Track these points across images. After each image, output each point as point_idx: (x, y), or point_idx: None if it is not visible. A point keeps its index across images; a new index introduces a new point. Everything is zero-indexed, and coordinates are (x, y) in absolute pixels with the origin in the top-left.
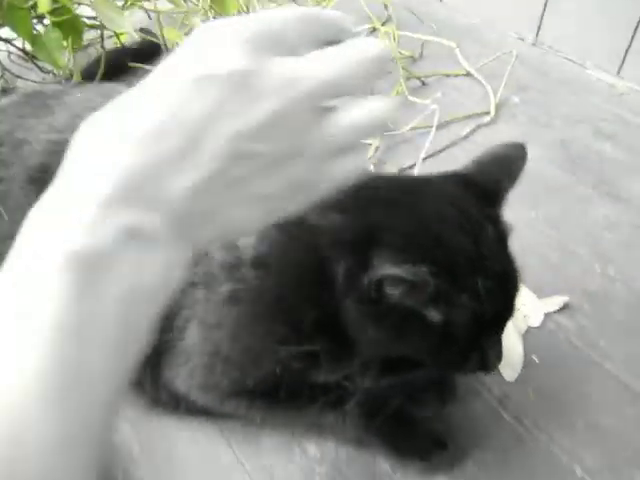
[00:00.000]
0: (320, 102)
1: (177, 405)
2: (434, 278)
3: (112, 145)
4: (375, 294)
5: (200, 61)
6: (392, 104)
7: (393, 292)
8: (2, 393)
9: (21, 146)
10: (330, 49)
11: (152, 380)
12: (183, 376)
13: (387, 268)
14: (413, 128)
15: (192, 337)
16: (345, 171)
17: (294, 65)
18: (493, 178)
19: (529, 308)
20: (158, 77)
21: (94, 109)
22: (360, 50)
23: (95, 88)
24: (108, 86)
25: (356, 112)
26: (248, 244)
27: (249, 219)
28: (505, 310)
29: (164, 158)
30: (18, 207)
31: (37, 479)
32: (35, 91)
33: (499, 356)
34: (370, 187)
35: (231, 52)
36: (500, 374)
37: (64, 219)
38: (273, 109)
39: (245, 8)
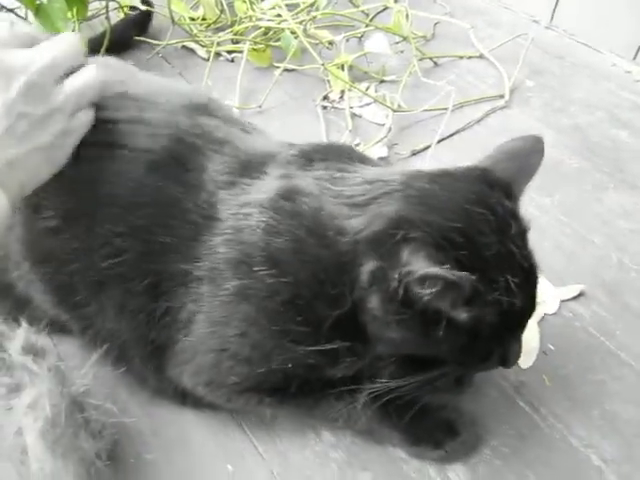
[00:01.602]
0: (54, 74)
1: (184, 400)
2: (471, 279)
3: None
4: (403, 294)
5: None
6: (93, 72)
7: (422, 292)
8: None
9: None
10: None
11: (156, 375)
12: (189, 373)
13: (425, 266)
14: (427, 110)
15: (198, 333)
16: (81, 122)
17: (30, 52)
18: (511, 173)
19: (545, 295)
20: None
21: None
22: (60, 41)
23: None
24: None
25: (72, 79)
26: (255, 239)
27: (40, 165)
28: (530, 305)
29: None
30: None
31: None
32: None
33: (519, 352)
34: (387, 181)
35: None
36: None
37: None
38: (25, 81)
39: None
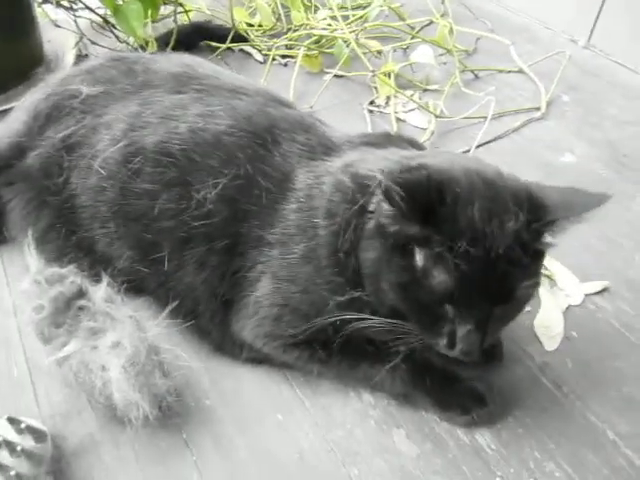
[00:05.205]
0: None
1: (240, 353)
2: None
3: None
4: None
5: None
6: None
7: (385, 210)
8: None
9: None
10: None
11: (219, 329)
12: (251, 326)
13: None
14: (467, 117)
15: (263, 289)
16: None
17: None
18: (558, 203)
19: (569, 289)
20: None
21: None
22: None
23: (175, 59)
24: (184, 58)
25: None
26: (322, 201)
27: None
28: (481, 284)
29: None
30: None
31: None
32: (120, 55)
33: (469, 348)
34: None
35: None
36: (541, 344)
37: None
38: None
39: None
